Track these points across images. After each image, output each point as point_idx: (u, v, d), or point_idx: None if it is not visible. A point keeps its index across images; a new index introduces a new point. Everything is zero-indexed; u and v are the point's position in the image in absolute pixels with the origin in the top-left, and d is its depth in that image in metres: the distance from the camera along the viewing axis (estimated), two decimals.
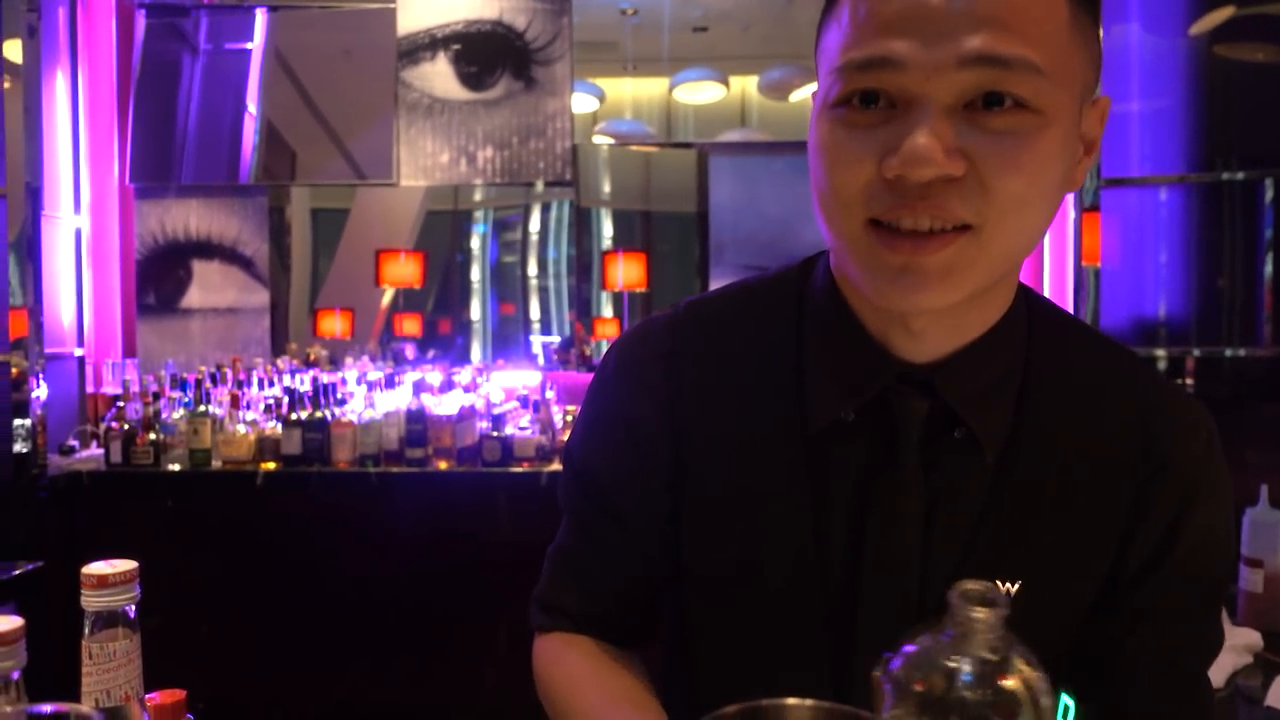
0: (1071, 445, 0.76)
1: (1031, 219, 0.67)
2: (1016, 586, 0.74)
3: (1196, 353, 2.79)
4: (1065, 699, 0.91)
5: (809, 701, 0.46)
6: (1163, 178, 2.83)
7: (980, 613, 0.46)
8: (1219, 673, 1.45)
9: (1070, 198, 3.00)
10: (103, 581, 0.56)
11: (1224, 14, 2.75)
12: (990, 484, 0.75)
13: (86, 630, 0.56)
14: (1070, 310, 2.86)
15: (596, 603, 0.87)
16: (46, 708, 0.48)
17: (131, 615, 0.57)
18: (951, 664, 0.45)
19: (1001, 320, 0.75)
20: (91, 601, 0.56)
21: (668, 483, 0.83)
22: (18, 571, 2.00)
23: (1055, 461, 0.75)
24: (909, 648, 0.47)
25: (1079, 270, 2.90)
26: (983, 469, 0.75)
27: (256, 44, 3.67)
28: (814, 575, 0.77)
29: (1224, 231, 2.80)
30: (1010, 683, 0.45)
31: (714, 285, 3.66)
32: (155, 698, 0.70)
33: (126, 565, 0.57)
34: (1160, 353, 2.82)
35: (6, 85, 2.87)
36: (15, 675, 0.46)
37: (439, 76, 3.62)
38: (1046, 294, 3.22)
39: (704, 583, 0.83)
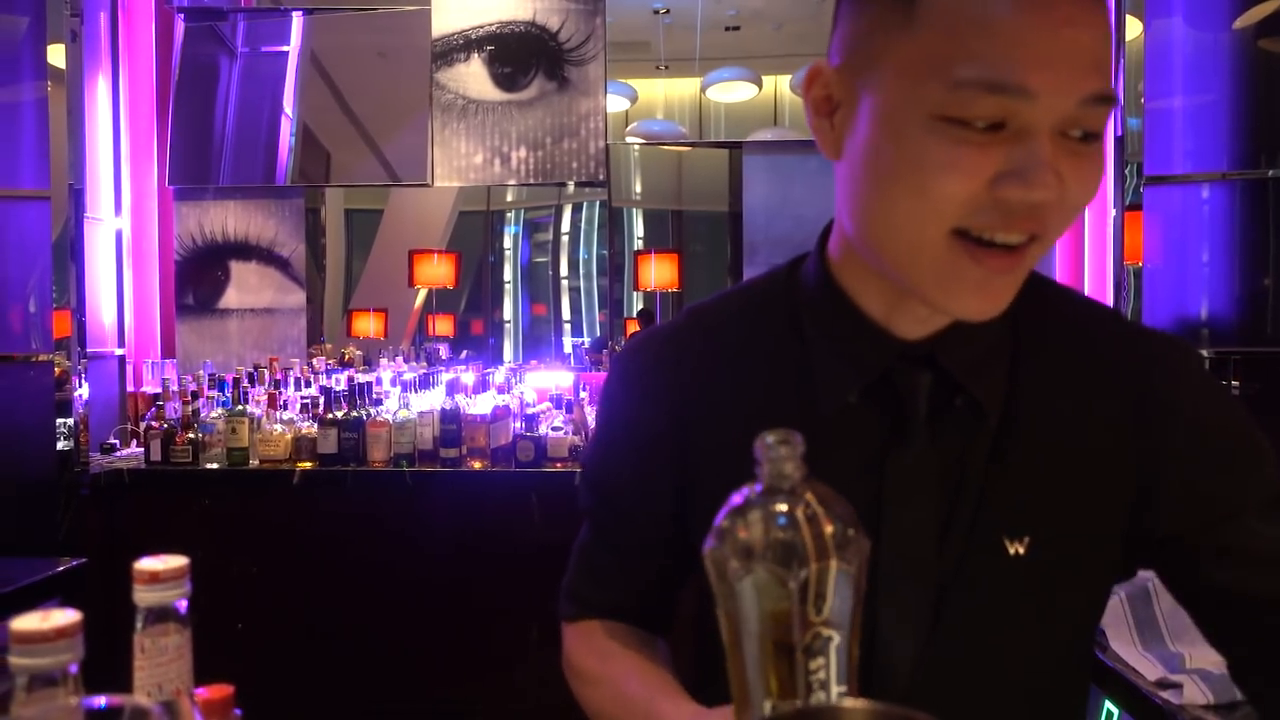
0: (1067, 402, 0.79)
1: None
2: (1025, 544, 0.77)
3: (1240, 353, 2.73)
4: (1109, 705, 0.89)
5: (863, 703, 0.46)
6: (1206, 175, 2.78)
7: (777, 444, 0.49)
8: None
9: (1111, 196, 2.96)
10: (155, 577, 0.56)
11: (1269, 7, 2.69)
12: (992, 446, 0.78)
13: (139, 625, 0.56)
14: None
15: (615, 597, 0.92)
16: (101, 700, 0.48)
17: (182, 611, 0.57)
18: (764, 508, 0.49)
19: None
20: (144, 596, 0.56)
21: (675, 484, 0.86)
22: (62, 568, 2.03)
23: (1054, 420, 0.78)
24: (732, 500, 0.51)
25: (1120, 269, 2.86)
26: (985, 432, 0.77)
27: (292, 47, 3.71)
28: None
29: (1269, 229, 2.74)
30: (813, 519, 0.48)
31: None
32: (203, 693, 0.70)
33: (178, 561, 0.57)
34: (1203, 353, 2.76)
35: (50, 90, 2.92)
36: (73, 668, 0.47)
37: (473, 77, 3.63)
38: (1087, 293, 3.18)
39: None
